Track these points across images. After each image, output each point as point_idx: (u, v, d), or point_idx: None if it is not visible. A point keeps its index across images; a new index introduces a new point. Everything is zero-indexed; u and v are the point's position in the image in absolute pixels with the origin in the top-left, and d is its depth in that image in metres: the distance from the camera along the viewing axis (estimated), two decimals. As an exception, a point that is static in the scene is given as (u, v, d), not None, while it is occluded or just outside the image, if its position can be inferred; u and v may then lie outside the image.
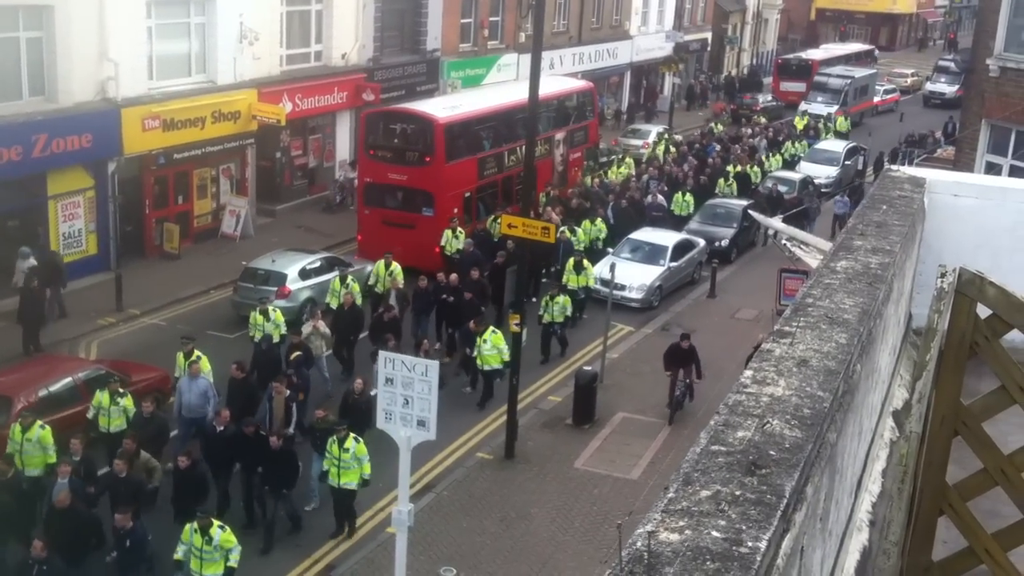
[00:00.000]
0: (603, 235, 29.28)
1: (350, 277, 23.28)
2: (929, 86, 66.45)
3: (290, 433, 17.36)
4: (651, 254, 28.38)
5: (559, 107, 35.01)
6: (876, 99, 59.88)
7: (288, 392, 17.83)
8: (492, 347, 20.54)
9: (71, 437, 15.78)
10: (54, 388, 18.07)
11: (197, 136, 28.59)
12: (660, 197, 33.25)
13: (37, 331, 22.42)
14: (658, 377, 21.50)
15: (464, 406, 20.87)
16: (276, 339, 20.64)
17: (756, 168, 38.80)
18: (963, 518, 4.90)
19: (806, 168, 40.94)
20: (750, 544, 2.91)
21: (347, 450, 15.84)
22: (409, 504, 13.48)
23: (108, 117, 25.92)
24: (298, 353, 19.45)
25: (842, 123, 50.86)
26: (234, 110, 29.61)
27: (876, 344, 5.41)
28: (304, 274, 24.73)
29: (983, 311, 4.88)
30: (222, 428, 16.50)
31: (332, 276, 23.90)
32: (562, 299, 23.45)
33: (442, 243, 26.79)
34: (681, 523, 3.00)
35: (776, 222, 19.90)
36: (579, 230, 28.64)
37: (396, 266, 24.03)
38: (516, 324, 19.32)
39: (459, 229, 26.97)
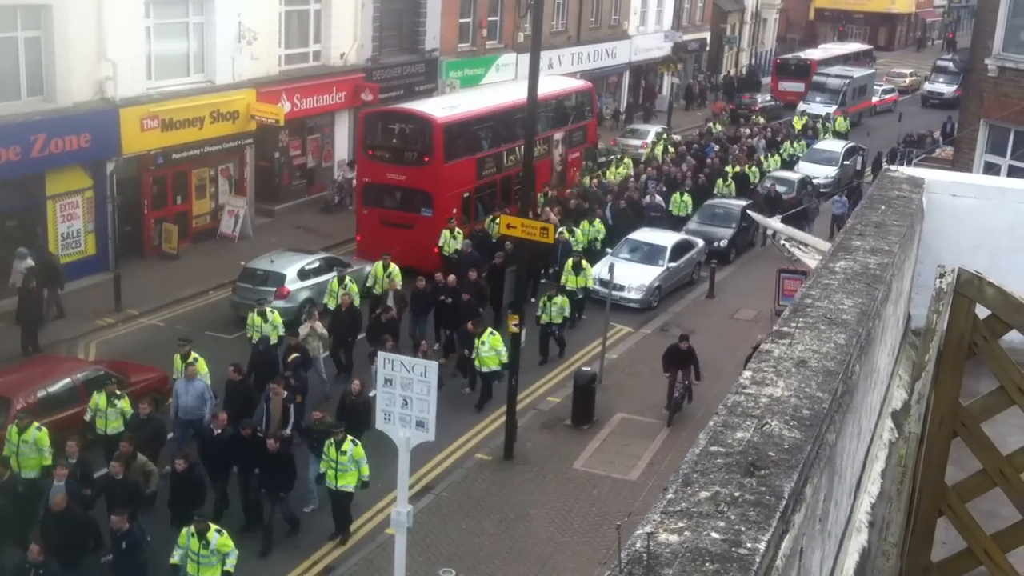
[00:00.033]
0: (601, 236, 29.29)
1: (348, 278, 23.27)
2: (927, 86, 66.48)
3: (288, 434, 17.34)
4: (650, 254, 28.38)
5: (558, 107, 35.01)
6: (874, 99, 59.93)
7: (286, 394, 17.80)
8: (490, 349, 20.53)
9: (67, 439, 15.75)
10: (53, 389, 18.06)
11: (196, 136, 28.59)
12: (658, 197, 33.25)
13: (36, 332, 22.41)
14: (657, 378, 21.50)
15: (463, 407, 20.87)
16: (274, 340, 20.62)
17: (754, 168, 38.81)
18: (962, 519, 4.90)
19: (805, 168, 40.96)
20: (749, 545, 2.91)
21: (344, 452, 15.82)
22: (408, 505, 13.48)
23: (106, 117, 25.91)
24: (296, 355, 19.43)
25: (841, 123, 50.88)
26: (233, 110, 29.61)
27: (875, 345, 5.41)
28: (303, 274, 24.72)
29: (982, 311, 4.88)
30: (219, 431, 16.46)
31: (331, 276, 23.89)
32: (560, 300, 23.44)
33: (440, 243, 26.78)
34: (680, 524, 3.00)
35: (775, 222, 19.89)
36: (577, 231, 28.63)
37: (394, 267, 24.02)
38: (515, 325, 19.32)
39: (457, 230, 26.97)
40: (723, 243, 31.60)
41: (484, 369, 20.78)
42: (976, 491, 4.89)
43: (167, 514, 15.67)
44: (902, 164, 25.07)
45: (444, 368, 20.53)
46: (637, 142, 44.22)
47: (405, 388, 12.95)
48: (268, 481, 15.99)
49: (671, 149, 41.76)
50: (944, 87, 63.99)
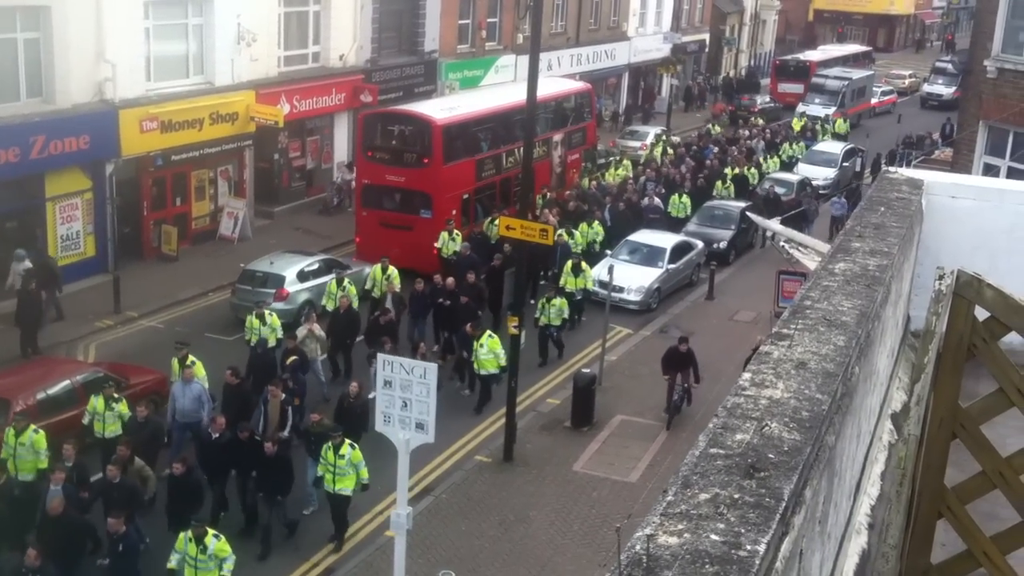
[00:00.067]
0: (600, 238, 29.26)
1: (347, 280, 23.25)
2: (926, 87, 66.50)
3: (285, 436, 17.30)
4: (649, 256, 28.38)
5: (557, 108, 35.02)
6: (873, 100, 59.95)
7: (284, 396, 17.77)
8: (488, 352, 20.50)
9: (63, 442, 15.70)
10: (52, 391, 18.04)
11: (195, 138, 28.59)
12: (656, 199, 33.25)
13: (35, 333, 22.40)
14: (656, 379, 21.50)
15: (463, 409, 20.86)
16: (272, 343, 20.57)
17: (753, 170, 38.81)
18: (961, 521, 4.89)
19: (804, 170, 40.97)
20: (749, 547, 2.91)
21: (342, 456, 15.76)
22: (408, 507, 13.47)
23: (106, 118, 25.91)
24: (294, 357, 19.40)
25: (841, 125, 50.90)
26: (232, 111, 29.61)
27: (874, 346, 5.41)
28: (302, 276, 24.71)
29: (981, 313, 4.88)
30: (217, 435, 16.42)
31: (330, 278, 23.87)
32: (559, 301, 23.44)
33: (438, 245, 26.77)
34: (680, 526, 3.00)
35: (774, 224, 19.89)
36: (576, 233, 28.62)
37: (393, 270, 23.99)
38: (515, 327, 19.32)
39: (456, 231, 26.97)
40: (722, 245, 31.60)
41: (483, 372, 20.76)
42: (975, 493, 4.89)
43: (164, 518, 15.64)
44: (901, 166, 25.09)
45: (442, 370, 20.51)
46: (636, 144, 44.24)
47: (404, 390, 12.94)
48: (265, 484, 15.97)
49: (670, 151, 41.76)
50: (943, 89, 64.01)
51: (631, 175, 37.00)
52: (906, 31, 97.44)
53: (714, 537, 2.94)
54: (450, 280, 23.23)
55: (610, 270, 23.64)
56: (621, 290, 26.14)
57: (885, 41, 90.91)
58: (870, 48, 75.49)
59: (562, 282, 25.05)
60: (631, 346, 25.17)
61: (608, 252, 28.49)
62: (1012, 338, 4.89)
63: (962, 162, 20.88)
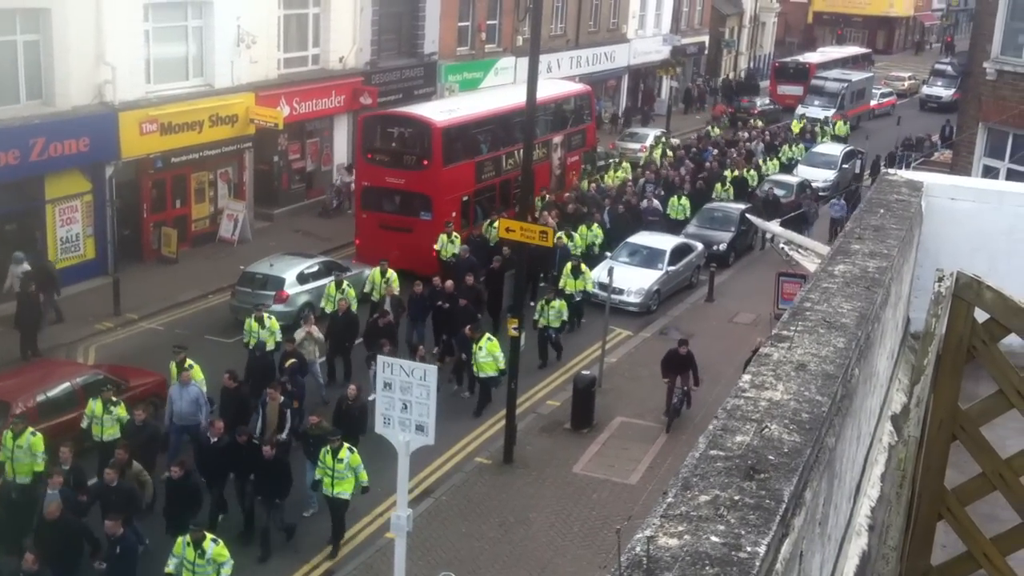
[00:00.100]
0: (599, 240, 29.23)
1: (346, 283, 23.23)
2: (925, 90, 66.51)
3: (283, 439, 17.28)
4: (649, 258, 28.39)
5: (556, 110, 35.03)
6: (873, 102, 59.96)
7: (282, 399, 17.74)
8: (487, 355, 20.49)
9: (60, 445, 15.65)
10: (52, 393, 18.03)
11: (195, 140, 28.60)
12: (655, 201, 33.25)
13: (35, 336, 22.41)
14: (656, 381, 21.49)
15: (463, 411, 20.86)
16: (271, 346, 20.53)
17: (753, 172, 38.81)
18: (962, 522, 4.90)
19: (804, 172, 40.98)
20: (749, 549, 2.91)
21: (341, 460, 15.70)
22: (408, 509, 13.47)
23: (105, 121, 25.92)
24: (293, 360, 19.38)
25: (841, 127, 50.92)
26: (231, 114, 29.63)
27: (874, 348, 5.41)
28: (302, 278, 24.71)
29: (980, 315, 4.88)
30: (216, 439, 16.39)
31: (330, 280, 23.85)
32: (558, 303, 23.43)
33: (437, 248, 26.77)
34: (680, 528, 3.00)
35: (773, 226, 19.91)
36: (576, 235, 28.61)
37: (392, 273, 23.95)
38: (515, 328, 19.32)
39: (455, 234, 26.97)
40: (722, 247, 31.60)
41: (481, 375, 20.74)
42: (975, 494, 4.89)
43: (162, 521, 15.63)
44: (900, 168, 25.10)
45: (440, 372, 20.49)
46: (636, 146, 44.25)
47: (405, 392, 12.94)
48: (264, 488, 15.95)
49: (669, 153, 41.77)
50: (942, 91, 64.03)
51: (630, 177, 37.00)
52: (905, 33, 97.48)
53: (714, 539, 2.95)
54: (449, 283, 23.22)
55: (610, 272, 23.64)
56: (621, 292, 26.15)
57: (884, 43, 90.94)
58: (869, 50, 75.51)
59: (561, 284, 25.04)
60: (631, 348, 25.17)
61: (608, 254, 28.49)
62: (1012, 340, 4.90)
63: (961, 164, 20.88)
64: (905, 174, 9.06)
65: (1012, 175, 18.86)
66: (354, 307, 22.50)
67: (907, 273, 7.48)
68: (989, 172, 19.65)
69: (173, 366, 18.44)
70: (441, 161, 28.09)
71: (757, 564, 2.85)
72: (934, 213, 8.44)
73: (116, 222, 26.82)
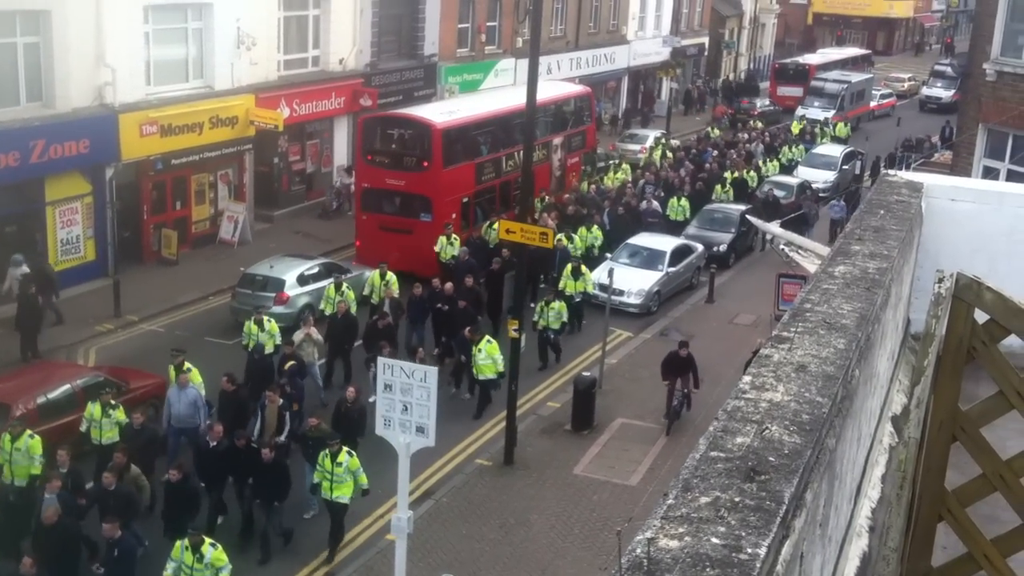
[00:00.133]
0: (599, 242, 29.20)
1: (345, 285, 23.19)
2: (925, 91, 66.52)
3: (282, 441, 17.24)
4: (649, 259, 28.39)
5: (556, 112, 35.04)
6: (872, 104, 59.99)
7: (281, 401, 17.70)
8: (487, 357, 20.48)
9: (58, 448, 15.59)
10: (52, 395, 18.03)
11: (195, 142, 28.61)
12: (655, 203, 33.26)
13: (35, 338, 22.41)
14: (657, 382, 21.48)
15: (463, 412, 20.86)
16: (270, 349, 20.46)
17: (752, 173, 38.82)
18: (962, 524, 4.89)
19: (804, 173, 41.00)
20: (749, 551, 2.91)
21: (340, 464, 15.64)
22: (408, 511, 13.47)
23: (106, 122, 25.93)
24: (292, 363, 19.36)
25: (842, 129, 50.94)
26: (232, 115, 29.63)
27: (874, 349, 5.41)
28: (302, 280, 24.71)
29: (980, 316, 4.88)
30: (215, 443, 16.34)
31: (330, 282, 23.82)
32: (557, 305, 23.42)
33: (437, 249, 26.76)
34: (680, 529, 3.00)
35: (774, 227, 19.91)
36: (576, 237, 28.60)
37: (391, 276, 23.90)
38: (515, 330, 19.32)
39: (454, 236, 26.97)
40: (722, 248, 31.60)
41: (481, 377, 20.73)
42: (976, 496, 4.89)
43: (161, 524, 15.61)
44: (900, 169, 25.10)
45: (439, 374, 20.46)
46: (636, 147, 44.26)
47: (405, 394, 12.94)
48: (263, 491, 15.92)
49: (669, 154, 41.78)
50: (942, 92, 64.04)
51: (629, 179, 37.00)
52: (905, 34, 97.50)
53: (715, 540, 2.95)
54: (448, 285, 23.20)
55: (610, 273, 23.65)
56: (621, 293, 26.15)
57: (884, 44, 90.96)
58: (869, 51, 75.52)
59: (561, 285, 25.04)
60: (631, 349, 25.17)
61: (608, 255, 28.49)
62: (1012, 341, 4.90)
63: (961, 165, 20.88)
64: (905, 175, 9.07)
65: (1012, 176, 18.86)
66: (353, 309, 22.46)
67: (907, 274, 7.49)
68: (989, 173, 19.65)
69: (172, 370, 18.41)
70: (441, 163, 28.09)
71: (758, 566, 2.85)
72: (934, 214, 8.44)
73: (116, 224, 26.83)
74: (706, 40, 63.12)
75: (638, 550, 2.89)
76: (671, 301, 28.58)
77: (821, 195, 38.54)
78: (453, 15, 39.26)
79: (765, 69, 69.47)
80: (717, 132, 48.85)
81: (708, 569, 2.81)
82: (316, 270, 25.18)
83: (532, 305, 24.62)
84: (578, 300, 25.14)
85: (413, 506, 15.62)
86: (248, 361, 20.07)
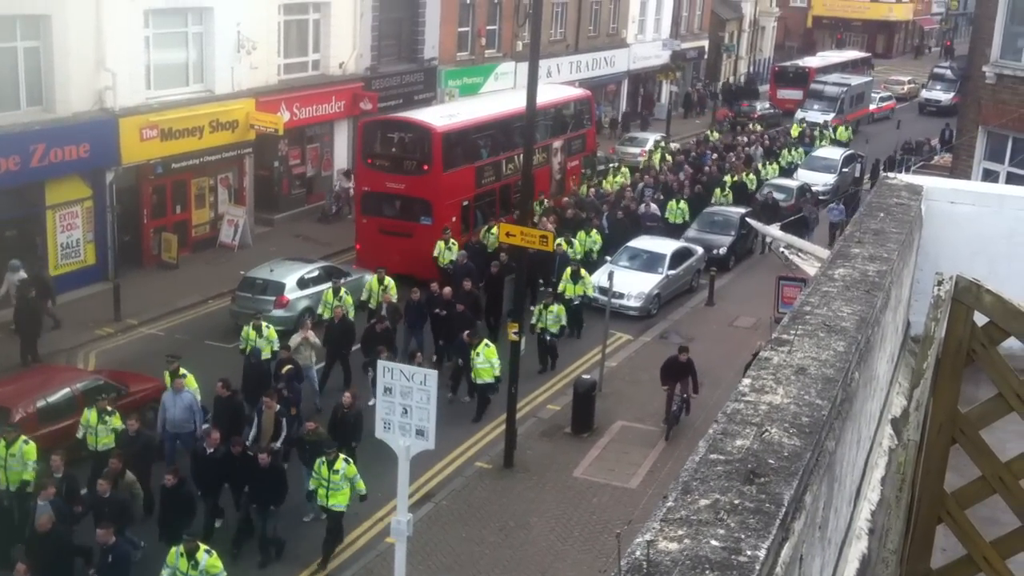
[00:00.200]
0: (597, 247, 29.16)
1: (343, 290, 23.14)
2: (925, 93, 66.56)
3: (277, 447, 17.20)
4: (649, 262, 28.40)
5: (556, 115, 35.04)
6: (872, 107, 60.01)
7: (278, 407, 17.65)
8: (485, 361, 20.47)
9: (52, 454, 15.54)
10: (52, 399, 18.03)
11: (195, 145, 28.61)
12: (653, 206, 33.27)
13: (35, 342, 22.42)
14: (657, 385, 21.47)
15: (463, 415, 20.85)
16: (267, 355, 20.35)
17: (752, 176, 38.83)
18: (961, 526, 4.90)
19: (804, 176, 41.02)
20: (749, 553, 2.91)
21: (337, 471, 15.58)
22: (408, 514, 13.47)
23: (106, 127, 25.94)
24: (289, 367, 19.33)
25: (843, 132, 50.96)
26: (232, 119, 29.64)
27: (874, 352, 5.42)
28: (302, 283, 24.70)
29: (980, 318, 4.88)
30: (212, 450, 16.28)
31: (329, 286, 23.76)
32: (556, 308, 23.41)
33: (435, 254, 26.74)
34: (680, 532, 3.00)
35: (773, 230, 19.93)
36: (575, 241, 28.59)
37: (389, 281, 23.85)
38: (515, 333, 19.32)
39: (452, 240, 26.95)
40: (722, 251, 31.60)
41: (479, 381, 20.72)
42: (975, 498, 4.89)
43: (155, 530, 15.58)
44: (900, 171, 25.09)
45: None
46: (636, 150, 44.27)
47: (405, 397, 12.94)
48: (259, 495, 15.90)
49: (668, 157, 41.79)
50: (941, 95, 64.08)
51: (629, 182, 37.01)
52: (905, 37, 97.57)
53: (714, 543, 2.95)
54: (447, 289, 23.17)
55: (610, 276, 23.65)
56: (621, 296, 26.15)
57: (884, 47, 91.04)
58: (869, 54, 75.60)
59: (561, 289, 25.03)
60: (631, 352, 25.17)
61: (608, 258, 28.50)
62: (1011, 343, 4.90)
63: (961, 167, 20.88)
64: (905, 178, 9.07)
65: (1012, 179, 18.86)
66: (351, 314, 22.41)
67: (907, 277, 7.49)
68: (989, 176, 19.65)
69: (167, 375, 18.39)
70: (441, 166, 28.10)
71: (757, 568, 2.86)
72: (934, 217, 8.45)
73: (116, 228, 26.83)
74: (706, 43, 63.17)
75: (637, 552, 2.89)
76: (671, 304, 28.58)
77: (821, 198, 38.53)
78: (453, 19, 39.29)
79: (765, 72, 69.51)
80: (716, 135, 48.86)
81: (707, 571, 2.82)
82: (316, 274, 25.18)
83: (531, 308, 24.62)
84: (577, 304, 25.13)
85: (413, 509, 15.62)
86: (245, 366, 20.03)
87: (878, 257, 6.19)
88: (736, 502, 3.17)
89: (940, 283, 4.90)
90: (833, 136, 49.97)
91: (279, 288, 24.27)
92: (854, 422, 4.73)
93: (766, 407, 3.88)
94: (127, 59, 26.23)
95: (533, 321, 23.36)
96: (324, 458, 15.68)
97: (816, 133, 49.49)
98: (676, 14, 57.50)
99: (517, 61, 41.81)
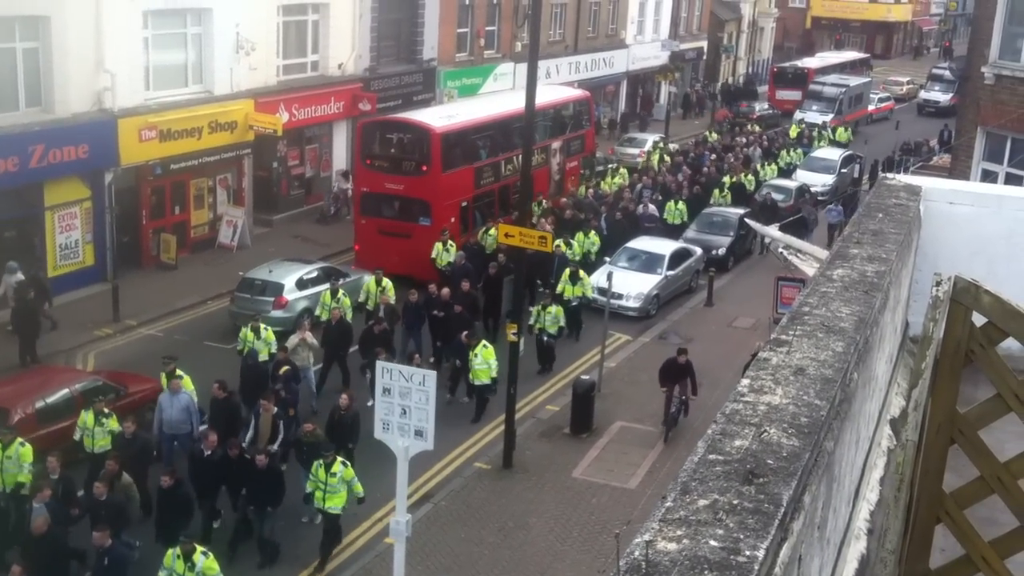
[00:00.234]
0: (596, 248, 29.14)
1: (341, 291, 23.12)
2: (923, 94, 66.60)
3: (274, 450, 17.18)
4: (648, 263, 28.40)
5: (555, 116, 35.05)
6: (871, 107, 60.03)
7: (276, 409, 17.62)
8: (483, 362, 20.47)
9: (48, 455, 15.52)
10: (51, 400, 18.02)
11: (194, 146, 28.61)
12: (652, 207, 33.27)
13: (33, 342, 22.41)
14: (656, 386, 21.47)
15: (462, 416, 20.85)
16: (264, 357, 20.29)
17: (751, 177, 38.83)
18: (960, 526, 4.90)
19: (803, 176, 41.04)
20: (748, 553, 2.91)
21: (334, 474, 15.58)
22: (407, 514, 13.47)
23: (105, 127, 25.93)
24: (287, 367, 19.31)
25: (843, 133, 50.97)
26: (231, 120, 29.64)
27: (873, 352, 5.42)
28: (301, 284, 24.70)
29: (978, 319, 4.89)
30: (209, 452, 16.25)
31: (327, 288, 23.71)
32: (554, 309, 23.41)
33: (433, 256, 26.72)
34: (679, 532, 3.00)
35: (772, 231, 19.93)
36: (574, 242, 28.57)
37: (387, 282, 23.83)
38: (513, 333, 19.32)
39: (450, 242, 26.94)
40: (721, 251, 31.62)
41: (476, 382, 20.71)
42: (974, 498, 4.89)
43: (152, 531, 15.56)
44: (899, 172, 25.10)
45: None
46: (635, 151, 44.28)
47: (404, 397, 12.94)
48: (256, 497, 15.88)
49: (667, 158, 41.80)
50: (940, 95, 64.11)
51: (627, 183, 37.00)
52: (904, 38, 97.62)
53: (713, 543, 2.95)
54: (445, 291, 23.15)
55: (609, 277, 23.65)
56: (620, 296, 26.15)
57: (883, 48, 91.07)
58: (868, 55, 75.61)
59: (559, 290, 25.02)
60: (630, 352, 25.17)
61: (607, 259, 28.50)
62: (1010, 343, 4.90)
63: (960, 168, 20.90)
64: (903, 178, 9.07)
65: (1011, 179, 18.88)
66: (349, 316, 22.37)
67: (905, 277, 7.49)
68: (988, 176, 19.66)
69: (163, 377, 18.35)
70: (440, 167, 28.10)
71: (756, 568, 2.86)
72: (932, 217, 8.45)
73: (115, 228, 26.83)
74: (705, 44, 63.19)
75: (636, 553, 2.89)
76: (670, 304, 28.59)
77: (820, 199, 38.54)
78: (452, 19, 39.29)
79: (764, 73, 69.54)
80: (715, 136, 48.87)
81: (706, 571, 2.82)
82: (315, 274, 25.18)
83: (530, 309, 24.61)
84: (575, 305, 25.12)
85: (412, 509, 15.62)
86: (242, 367, 20.01)
87: (877, 258, 6.19)
88: (735, 502, 3.18)
89: (939, 284, 4.90)
90: (832, 137, 49.97)
91: (278, 289, 24.26)
92: (853, 422, 4.73)
93: (765, 408, 3.88)
94: (126, 60, 26.23)
95: (531, 322, 23.35)
96: (321, 460, 15.66)
97: (815, 134, 49.49)
98: (675, 15, 57.53)
99: (516, 62, 41.81)
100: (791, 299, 19.35)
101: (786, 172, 42.25)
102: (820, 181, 40.88)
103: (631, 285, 27.10)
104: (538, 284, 27.09)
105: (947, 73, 65.39)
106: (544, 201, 31.92)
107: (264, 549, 15.99)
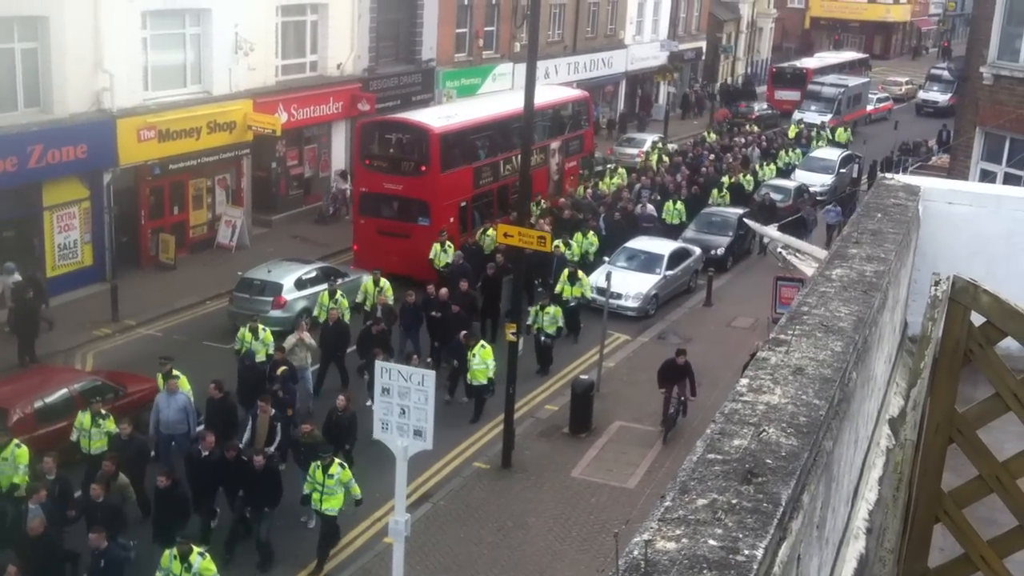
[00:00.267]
0: (594, 248, 29.14)
1: (339, 292, 23.10)
2: (922, 94, 66.62)
3: (271, 452, 17.17)
4: (647, 263, 28.41)
5: (554, 116, 35.05)
6: (869, 107, 60.06)
7: (273, 411, 17.60)
8: (481, 362, 20.46)
9: (44, 456, 15.49)
10: (50, 400, 18.01)
11: (192, 146, 28.60)
12: (650, 207, 33.27)
13: (32, 342, 22.40)
14: (655, 386, 21.48)
15: (461, 416, 20.85)
16: (261, 357, 20.25)
17: (749, 177, 38.83)
18: (959, 525, 4.90)
19: (801, 176, 41.06)
20: (747, 552, 2.92)
21: (331, 476, 15.56)
22: (406, 514, 13.46)
23: (103, 128, 25.92)
24: (284, 368, 19.29)
25: (842, 134, 50.98)
26: (229, 120, 29.64)
27: (872, 352, 5.42)
28: (300, 284, 24.70)
29: (977, 319, 4.89)
30: (207, 453, 16.23)
31: (325, 288, 23.69)
32: (553, 309, 23.40)
33: (431, 256, 26.70)
34: (678, 532, 3.00)
35: (771, 231, 19.92)
36: (572, 243, 28.57)
37: (385, 283, 23.82)
38: (512, 333, 19.32)
39: (448, 243, 26.93)
40: (720, 251, 31.63)
41: (474, 383, 20.70)
42: (972, 497, 4.89)
43: (149, 531, 15.55)
44: (898, 172, 25.12)
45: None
46: (634, 151, 44.28)
47: (403, 397, 12.93)
48: (253, 498, 15.86)
49: (665, 158, 41.79)
50: (938, 95, 64.14)
51: (625, 183, 37.00)
52: (902, 38, 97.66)
53: (712, 542, 2.95)
54: (443, 291, 23.13)
55: (608, 276, 23.65)
56: (619, 296, 26.15)
57: (881, 48, 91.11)
58: (866, 55, 75.63)
59: (558, 290, 25.01)
60: (629, 352, 25.18)
61: (606, 259, 28.50)
62: (1008, 343, 4.91)
63: (959, 168, 20.91)
64: (902, 178, 9.08)
65: (1009, 179, 18.90)
66: (346, 317, 22.35)
67: (904, 277, 7.50)
68: (986, 176, 19.68)
69: (160, 377, 18.32)
70: (439, 167, 28.11)
71: (755, 567, 2.86)
72: (931, 217, 8.46)
73: (114, 229, 26.83)
74: (703, 44, 63.20)
75: (635, 552, 2.90)
76: (669, 304, 28.60)
77: (819, 199, 38.55)
78: (451, 20, 39.29)
79: (762, 73, 69.56)
80: (714, 136, 48.87)
81: (705, 571, 2.82)
82: (314, 274, 25.18)
83: (529, 309, 24.60)
84: (573, 305, 25.11)
85: (411, 509, 15.61)
86: (239, 368, 19.99)
87: (875, 257, 6.19)
88: (734, 502, 3.18)
89: (937, 283, 4.90)
90: (831, 137, 49.99)
91: (277, 289, 24.26)
92: (851, 422, 4.74)
93: (764, 407, 3.89)
94: (125, 60, 26.22)
95: (529, 322, 23.34)
96: (319, 462, 15.65)
97: (813, 134, 49.50)
98: (674, 15, 57.54)
99: (515, 62, 41.81)
100: (790, 299, 19.35)
101: (785, 172, 42.26)
102: (819, 181, 40.89)
103: (630, 285, 27.11)
104: (537, 284, 27.08)
105: (946, 73, 65.43)
106: (543, 201, 31.90)
107: (262, 550, 15.98)
